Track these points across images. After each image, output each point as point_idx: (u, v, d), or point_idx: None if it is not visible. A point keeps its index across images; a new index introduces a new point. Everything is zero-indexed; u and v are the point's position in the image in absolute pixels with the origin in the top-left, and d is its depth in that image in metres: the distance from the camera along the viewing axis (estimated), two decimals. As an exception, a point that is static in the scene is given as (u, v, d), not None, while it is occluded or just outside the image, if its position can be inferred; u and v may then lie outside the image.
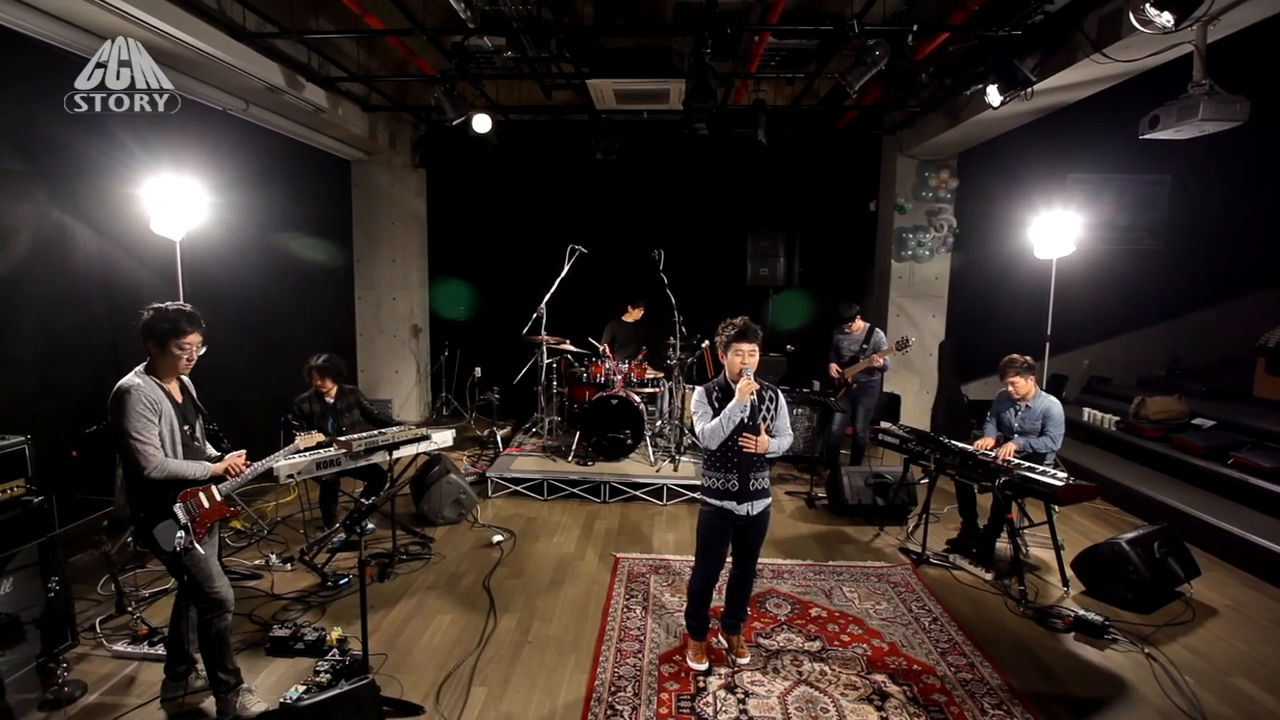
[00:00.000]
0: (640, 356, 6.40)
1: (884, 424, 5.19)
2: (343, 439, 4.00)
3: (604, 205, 8.04)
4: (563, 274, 6.25)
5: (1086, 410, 6.91)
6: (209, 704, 2.82)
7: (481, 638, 3.41)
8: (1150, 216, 7.98)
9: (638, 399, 5.76)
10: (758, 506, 3.02)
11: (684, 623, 3.32)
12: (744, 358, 2.95)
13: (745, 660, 3.21)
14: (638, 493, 5.44)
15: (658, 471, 5.57)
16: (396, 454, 4.17)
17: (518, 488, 5.53)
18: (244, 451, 2.86)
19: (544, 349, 6.28)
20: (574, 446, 5.93)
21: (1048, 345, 5.82)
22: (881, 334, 5.79)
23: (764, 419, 2.99)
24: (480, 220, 8.30)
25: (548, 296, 6.23)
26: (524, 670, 3.15)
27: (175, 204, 4.07)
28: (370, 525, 2.69)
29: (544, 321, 6.23)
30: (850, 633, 3.50)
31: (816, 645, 3.37)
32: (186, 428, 2.68)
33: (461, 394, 8.22)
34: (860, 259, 8.26)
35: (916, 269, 7.72)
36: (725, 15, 5.20)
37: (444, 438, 4.45)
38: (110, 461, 3.64)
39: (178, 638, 2.88)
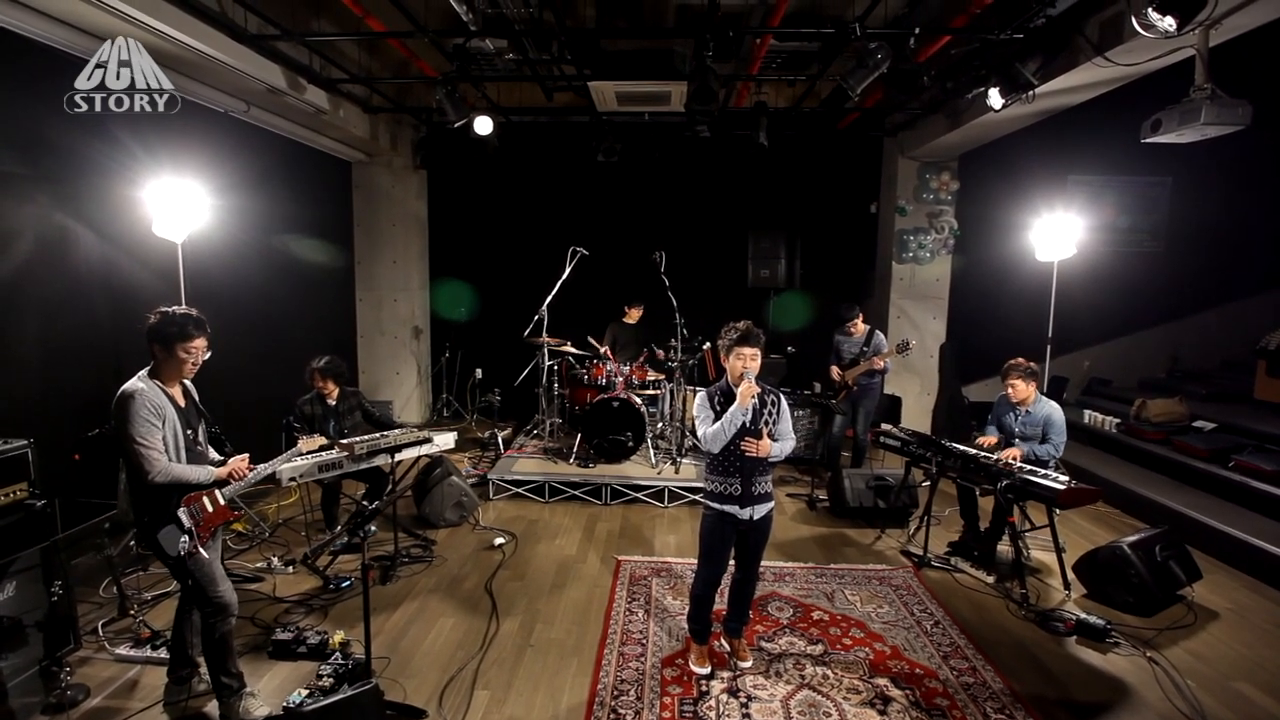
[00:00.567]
0: (642, 359, 6.40)
1: (885, 426, 5.20)
2: (345, 442, 3.99)
3: (605, 207, 8.05)
4: (564, 276, 6.24)
5: (1087, 412, 6.91)
6: (212, 708, 2.82)
7: (484, 641, 3.41)
8: (1151, 218, 7.99)
9: (639, 401, 5.76)
10: (760, 511, 3.03)
11: (686, 626, 3.33)
12: (746, 362, 2.95)
13: (748, 664, 3.21)
14: (639, 495, 5.44)
15: (659, 474, 5.57)
16: (399, 457, 4.17)
17: (519, 490, 5.53)
18: (246, 455, 2.86)
19: (545, 351, 6.28)
20: (575, 448, 5.94)
21: (1049, 347, 5.82)
22: (882, 336, 5.79)
23: (766, 423, 2.99)
24: (481, 222, 8.30)
25: (549, 298, 6.23)
26: (527, 674, 3.15)
27: (177, 206, 4.08)
28: (372, 528, 2.69)
29: (545, 323, 6.23)
30: (852, 636, 3.50)
31: (819, 649, 3.38)
32: (190, 432, 2.68)
33: (462, 396, 8.22)
34: (861, 261, 8.26)
35: (917, 271, 7.72)
36: (727, 18, 5.21)
37: (446, 440, 4.44)
38: (113, 465, 3.64)
39: (180, 641, 2.88)
